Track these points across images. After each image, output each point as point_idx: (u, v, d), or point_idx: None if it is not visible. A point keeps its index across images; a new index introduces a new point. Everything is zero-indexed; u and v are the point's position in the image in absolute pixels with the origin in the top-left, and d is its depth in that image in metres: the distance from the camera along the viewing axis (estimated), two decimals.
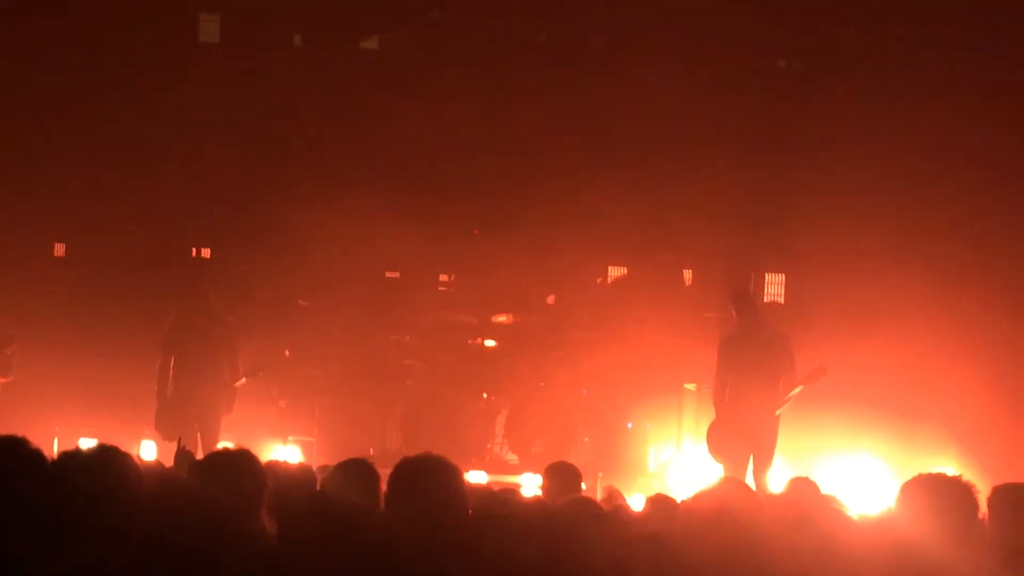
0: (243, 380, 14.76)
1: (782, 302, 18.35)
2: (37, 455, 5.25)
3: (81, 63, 18.44)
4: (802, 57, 18.15)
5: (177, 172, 17.89)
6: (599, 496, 10.74)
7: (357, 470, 7.02)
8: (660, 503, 8.22)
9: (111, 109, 18.25)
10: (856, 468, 16.04)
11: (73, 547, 5.07)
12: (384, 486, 6.50)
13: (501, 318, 17.64)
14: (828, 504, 8.19)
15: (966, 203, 17.14)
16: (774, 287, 18.64)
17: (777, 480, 13.52)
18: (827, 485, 12.31)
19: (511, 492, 7.23)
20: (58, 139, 18.15)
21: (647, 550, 6.17)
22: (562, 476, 9.19)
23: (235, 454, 6.08)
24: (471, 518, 6.10)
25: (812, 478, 9.16)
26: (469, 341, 17.59)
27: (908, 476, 6.15)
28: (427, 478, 6.08)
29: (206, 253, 19.04)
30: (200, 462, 6.56)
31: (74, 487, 5.12)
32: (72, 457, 5.29)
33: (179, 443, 9.30)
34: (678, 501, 7.96)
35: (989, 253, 17.01)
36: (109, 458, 5.25)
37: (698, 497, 6.14)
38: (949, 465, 14.47)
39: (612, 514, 6.96)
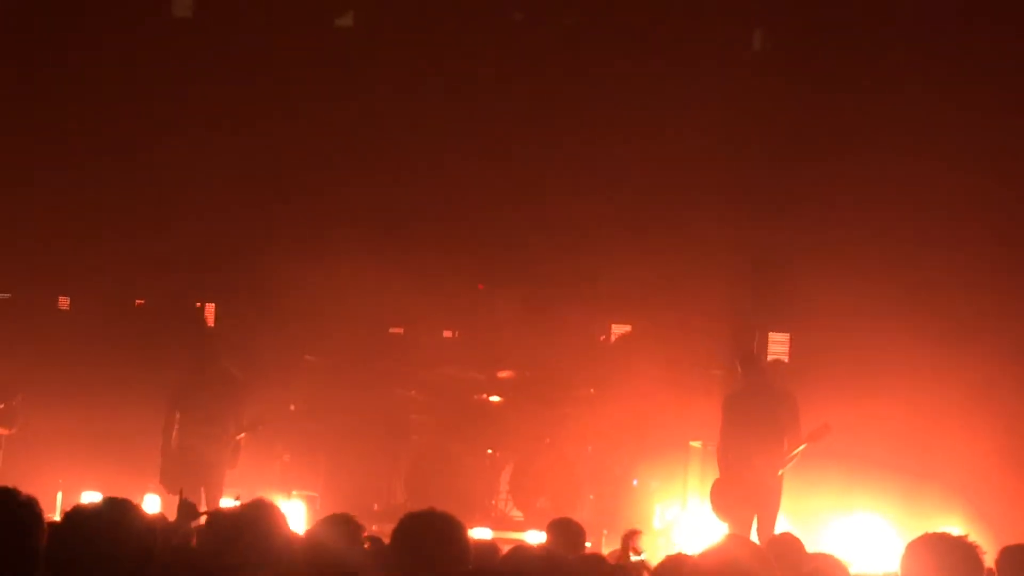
0: (242, 434, 14.75)
1: (786, 361, 18.31)
2: (30, 505, 5.21)
3: (86, 118, 18.54)
4: (806, 119, 18.18)
5: (183, 226, 17.93)
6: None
7: (342, 523, 7.01)
8: (672, 562, 8.15)
9: (115, 160, 18.33)
10: (860, 527, 15.96)
11: None
12: (367, 540, 6.49)
13: (505, 374, 17.62)
14: (826, 561, 8.17)
15: (972, 262, 17.12)
16: (778, 346, 18.60)
17: None
18: (831, 544, 12.28)
19: (520, 549, 7.19)
20: (62, 192, 18.21)
21: None
22: (566, 533, 9.16)
23: (258, 507, 5.97)
24: (474, 574, 6.08)
25: (800, 535, 9.12)
26: (474, 396, 17.55)
27: (913, 536, 6.13)
28: (431, 534, 6.06)
29: (211, 308, 19.05)
30: (218, 514, 6.49)
31: (84, 541, 5.08)
32: (82, 510, 5.24)
33: (180, 496, 9.29)
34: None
35: (995, 311, 16.97)
36: (119, 511, 5.21)
37: (705, 555, 6.10)
38: (955, 525, 14.37)
39: (619, 571, 6.93)
